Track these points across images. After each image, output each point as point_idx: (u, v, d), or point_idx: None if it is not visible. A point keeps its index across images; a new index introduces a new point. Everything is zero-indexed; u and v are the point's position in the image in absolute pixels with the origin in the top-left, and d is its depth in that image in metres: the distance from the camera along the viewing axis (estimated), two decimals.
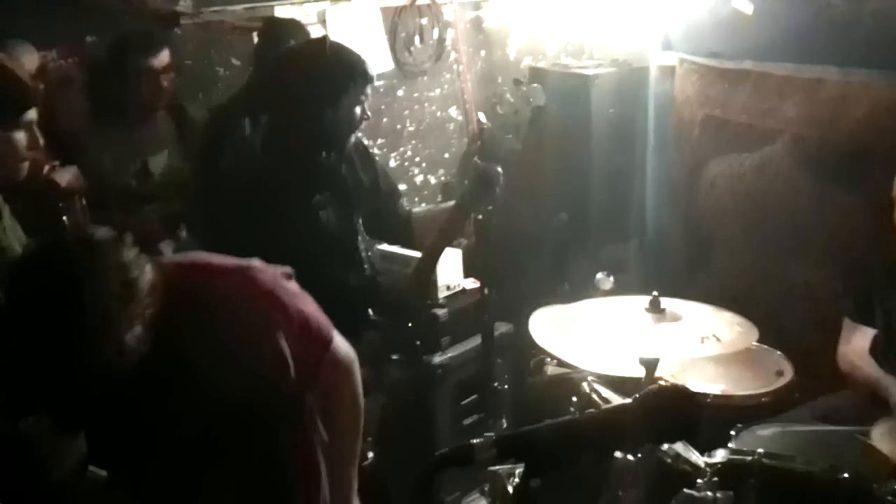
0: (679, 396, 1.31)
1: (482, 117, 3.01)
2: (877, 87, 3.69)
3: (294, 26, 3.84)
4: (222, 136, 3.58)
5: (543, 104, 3.07)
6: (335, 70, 2.93)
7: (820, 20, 3.82)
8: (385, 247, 3.88)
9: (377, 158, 3.53)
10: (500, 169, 2.95)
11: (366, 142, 3.46)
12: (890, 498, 2.41)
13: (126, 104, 3.66)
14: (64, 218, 3.13)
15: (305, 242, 2.92)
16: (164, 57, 3.64)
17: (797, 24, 3.92)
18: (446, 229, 3.10)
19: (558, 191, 4.36)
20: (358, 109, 2.97)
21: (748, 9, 4.08)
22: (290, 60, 3.08)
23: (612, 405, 1.31)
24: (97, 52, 3.69)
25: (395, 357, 3.28)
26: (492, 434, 1.25)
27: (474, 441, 1.24)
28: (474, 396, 3.71)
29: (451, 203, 3.32)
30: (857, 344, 3.28)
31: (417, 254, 3.49)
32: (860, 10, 3.67)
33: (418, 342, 3.46)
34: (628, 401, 1.32)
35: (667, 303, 2.72)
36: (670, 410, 1.30)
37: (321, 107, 2.90)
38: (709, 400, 3.17)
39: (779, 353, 3.46)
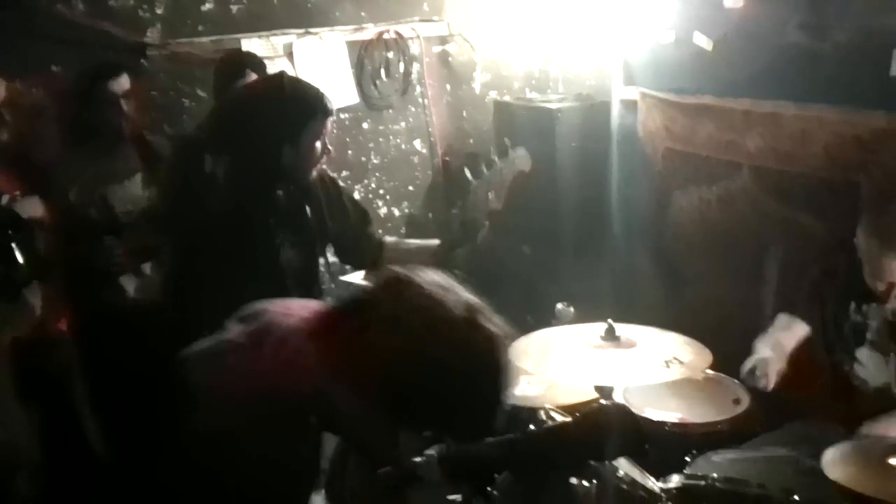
0: (619, 415, 1.33)
1: (468, 174, 3.02)
2: (834, 121, 3.75)
3: (250, 59, 3.85)
4: (186, 169, 3.58)
5: (528, 170, 3.09)
6: (293, 106, 2.92)
7: (778, 56, 3.90)
8: (349, 277, 3.90)
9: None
10: (487, 223, 2.98)
11: (332, 174, 3.47)
12: None
13: (90, 133, 3.66)
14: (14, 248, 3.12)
15: (265, 276, 2.93)
16: (124, 83, 3.63)
17: (756, 61, 3.98)
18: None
19: (523, 224, 4.39)
20: (318, 145, 2.98)
21: (708, 45, 4.16)
22: (248, 96, 3.09)
23: (553, 423, 1.32)
24: (63, 81, 3.70)
25: None
26: (433, 452, 1.26)
27: (417, 459, 1.26)
28: None
29: (424, 242, 3.36)
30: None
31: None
32: (822, 46, 3.73)
33: None
34: (569, 419, 1.35)
35: (623, 329, 2.74)
36: (610, 428, 1.32)
37: (279, 143, 2.87)
38: (666, 427, 3.21)
39: (736, 381, 3.49)
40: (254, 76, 3.66)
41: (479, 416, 1.55)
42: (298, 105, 2.93)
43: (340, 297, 1.86)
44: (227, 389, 1.81)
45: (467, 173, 2.99)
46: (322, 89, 3.05)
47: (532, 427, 2.29)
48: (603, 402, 1.31)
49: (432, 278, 1.78)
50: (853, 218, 3.41)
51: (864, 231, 3.17)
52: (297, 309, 1.97)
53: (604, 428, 1.33)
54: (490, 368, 1.62)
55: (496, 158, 3.01)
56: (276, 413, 1.69)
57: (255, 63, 3.78)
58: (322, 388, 1.65)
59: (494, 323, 1.73)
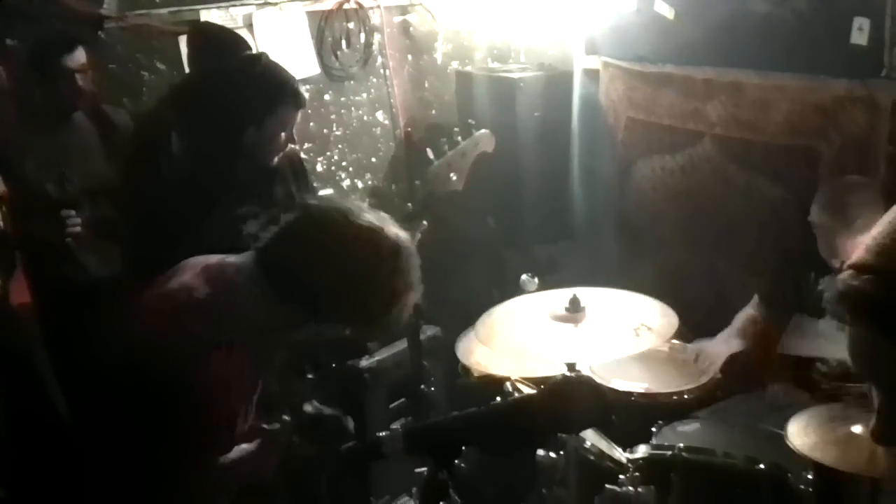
0: (582, 386, 1.33)
1: (430, 154, 3.00)
2: (795, 89, 3.77)
3: (231, 37, 3.78)
4: (147, 143, 3.53)
5: (490, 151, 3.08)
6: (265, 88, 2.89)
7: (740, 25, 3.90)
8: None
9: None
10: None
11: (293, 146, 3.45)
12: (803, 487, 2.47)
13: (47, 108, 3.60)
14: None
15: (225, 252, 2.90)
16: (80, 57, 3.57)
17: (718, 29, 3.98)
18: None
19: (486, 195, 4.39)
20: (283, 134, 2.94)
21: (670, 14, 4.15)
22: (222, 73, 3.04)
23: (517, 396, 1.32)
24: (18, 55, 3.62)
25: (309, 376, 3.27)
26: (398, 427, 1.25)
27: (381, 434, 1.25)
28: (402, 400, 3.71)
29: None
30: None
31: None
32: (780, 13, 3.74)
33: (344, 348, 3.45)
34: (533, 392, 1.34)
35: (588, 295, 2.72)
36: (575, 400, 1.32)
37: (244, 124, 2.85)
38: (633, 398, 3.22)
39: None
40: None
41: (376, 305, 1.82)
42: (270, 89, 2.89)
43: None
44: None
45: (429, 153, 2.97)
46: (289, 70, 3.01)
47: (497, 400, 2.30)
48: (567, 373, 1.30)
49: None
50: (813, 184, 3.44)
51: (817, 207, 3.20)
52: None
53: (568, 400, 1.33)
54: (392, 265, 1.87)
55: (459, 139, 2.99)
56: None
57: (234, 39, 3.70)
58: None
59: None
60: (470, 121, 3.11)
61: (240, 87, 2.88)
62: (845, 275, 1.11)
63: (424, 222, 2.95)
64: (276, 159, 3.01)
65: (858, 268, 1.11)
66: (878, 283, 1.08)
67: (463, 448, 1.28)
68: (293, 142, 2.99)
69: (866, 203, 3.11)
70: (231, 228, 2.96)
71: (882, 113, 3.48)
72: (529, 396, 1.34)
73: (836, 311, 1.12)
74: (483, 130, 3.05)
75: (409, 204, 3.07)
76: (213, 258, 2.21)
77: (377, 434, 1.25)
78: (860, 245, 2.98)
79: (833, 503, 2.56)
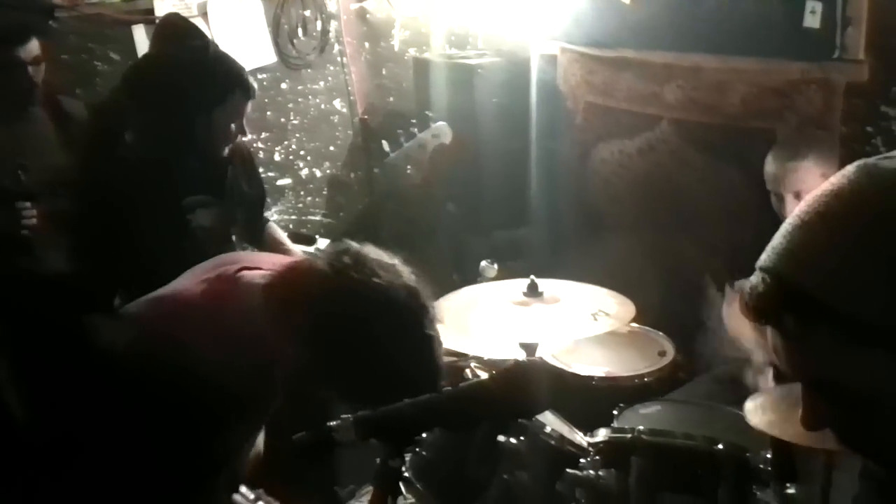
0: (534, 371, 1.33)
1: (386, 146, 2.99)
2: (752, 72, 3.79)
3: (190, 28, 3.74)
4: (100, 133, 3.50)
5: (448, 143, 3.07)
6: (213, 78, 2.87)
7: (697, 8, 3.91)
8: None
9: (261, 156, 3.51)
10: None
11: (250, 136, 3.43)
12: (762, 466, 2.50)
13: (0, 100, 3.55)
14: None
15: (177, 247, 2.89)
16: (33, 48, 3.53)
17: (675, 13, 3.99)
18: None
19: (446, 181, 4.38)
20: (234, 125, 2.92)
21: None
22: (171, 62, 3.01)
23: (469, 382, 1.31)
24: None
25: None
26: (349, 416, 1.24)
27: (332, 423, 1.24)
28: None
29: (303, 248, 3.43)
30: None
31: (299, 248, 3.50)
32: None
33: None
34: (486, 377, 1.34)
35: (546, 284, 2.75)
36: (527, 384, 1.32)
37: (194, 114, 2.83)
38: (593, 382, 3.24)
39: (661, 333, 3.54)
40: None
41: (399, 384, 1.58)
42: (220, 78, 2.87)
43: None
44: (172, 340, 1.83)
45: (385, 145, 2.95)
46: (239, 55, 3.00)
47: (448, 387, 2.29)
48: (520, 358, 1.30)
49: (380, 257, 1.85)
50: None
51: (774, 157, 3.26)
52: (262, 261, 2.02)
53: (521, 384, 1.32)
54: (415, 339, 1.69)
55: (416, 130, 2.98)
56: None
57: (194, 32, 3.66)
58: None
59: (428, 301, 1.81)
60: (427, 112, 3.09)
61: (189, 76, 2.86)
62: (751, 277, 1.13)
63: None
64: (226, 150, 2.99)
65: (759, 268, 1.12)
66: (771, 283, 1.09)
67: (417, 435, 1.28)
68: (244, 133, 2.97)
69: (820, 147, 3.24)
70: (181, 219, 2.95)
71: (836, 94, 3.52)
72: (481, 382, 1.34)
73: (742, 309, 1.14)
74: (440, 122, 3.05)
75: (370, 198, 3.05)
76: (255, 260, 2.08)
77: (328, 423, 1.24)
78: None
79: (789, 478, 2.59)
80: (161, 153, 2.88)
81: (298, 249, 3.57)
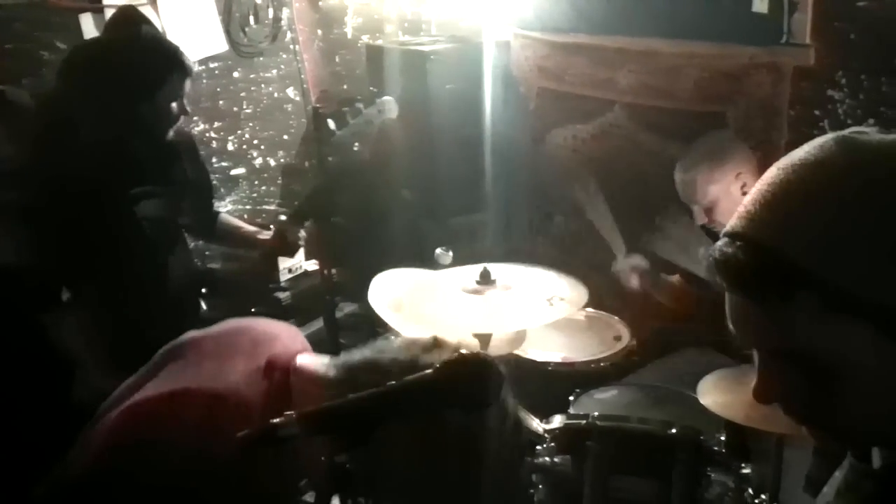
0: (477, 364, 1.33)
1: (331, 124, 2.96)
2: (703, 56, 3.83)
3: (132, 16, 3.70)
4: (48, 125, 3.45)
5: (394, 117, 3.05)
6: (149, 62, 2.86)
7: None
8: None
9: (214, 145, 3.48)
10: (302, 232, 3.01)
11: (203, 126, 3.40)
12: (716, 447, 2.52)
13: None
14: None
15: (127, 237, 2.87)
16: None
17: None
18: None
19: (401, 168, 4.37)
20: (175, 105, 2.91)
21: None
22: (105, 47, 2.99)
23: (414, 376, 1.31)
24: None
25: None
26: (292, 412, 1.24)
27: (275, 420, 1.23)
28: None
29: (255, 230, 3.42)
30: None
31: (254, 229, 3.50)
32: None
33: None
34: (430, 371, 1.34)
35: (499, 271, 2.75)
36: (469, 378, 1.32)
37: (134, 99, 2.82)
38: (550, 368, 3.26)
39: (616, 318, 3.56)
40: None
41: None
42: (155, 60, 2.86)
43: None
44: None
45: (331, 124, 2.93)
46: (190, 43, 2.98)
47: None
48: (462, 350, 1.31)
49: None
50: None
51: (689, 160, 3.30)
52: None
53: (464, 379, 1.32)
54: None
55: (361, 107, 2.96)
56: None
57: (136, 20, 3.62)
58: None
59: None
60: (372, 88, 3.07)
61: (126, 59, 2.84)
62: (720, 242, 1.13)
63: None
64: (171, 133, 2.97)
65: (732, 235, 1.13)
66: (748, 250, 1.10)
67: (362, 430, 1.28)
68: (185, 112, 2.95)
69: (729, 151, 3.26)
70: (128, 210, 2.92)
71: (784, 78, 3.57)
72: (425, 374, 1.33)
73: (714, 278, 1.14)
74: (386, 97, 3.03)
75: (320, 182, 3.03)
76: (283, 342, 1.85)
77: (271, 420, 1.23)
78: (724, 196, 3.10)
79: (743, 459, 2.62)
80: (107, 139, 2.85)
81: (256, 230, 3.55)
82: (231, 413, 1.58)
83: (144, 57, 2.84)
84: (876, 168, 1.08)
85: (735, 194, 3.15)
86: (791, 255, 1.07)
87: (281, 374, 1.71)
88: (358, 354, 1.67)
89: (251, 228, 3.53)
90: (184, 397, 1.63)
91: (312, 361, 1.75)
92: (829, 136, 1.12)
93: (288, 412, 1.25)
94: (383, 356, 1.60)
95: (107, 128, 2.85)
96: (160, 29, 3.97)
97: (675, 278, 3.60)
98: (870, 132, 1.12)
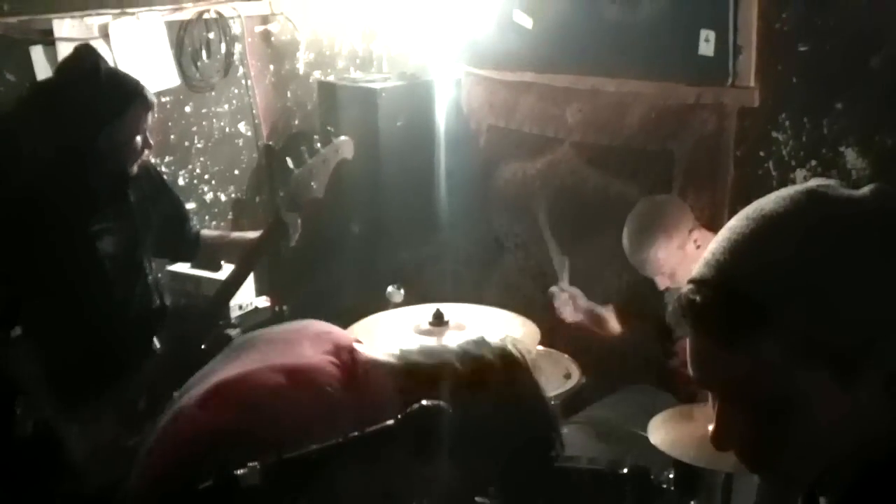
0: (436, 415, 1.35)
1: (290, 162, 2.98)
2: (649, 95, 3.91)
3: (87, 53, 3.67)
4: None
5: (350, 158, 3.09)
6: (112, 92, 2.84)
7: (595, 33, 4.00)
8: (176, 268, 3.82)
9: (166, 178, 3.46)
10: (299, 220, 2.95)
11: (154, 160, 3.38)
12: (665, 485, 2.56)
13: None
14: None
15: (83, 271, 2.85)
16: None
17: (575, 38, 4.09)
18: (241, 265, 3.07)
19: (351, 203, 4.39)
20: (139, 138, 2.89)
21: (528, 23, 4.23)
22: (63, 81, 2.96)
23: (375, 426, 1.33)
24: None
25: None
26: (255, 463, 1.25)
27: (238, 472, 1.24)
28: None
29: (241, 234, 3.39)
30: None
31: (209, 274, 3.48)
32: (632, 21, 3.86)
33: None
34: (391, 421, 1.36)
35: (452, 311, 2.78)
36: (428, 429, 1.34)
37: (95, 133, 2.78)
38: None
39: (566, 355, 3.58)
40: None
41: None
42: (117, 91, 2.83)
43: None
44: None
45: (289, 162, 2.95)
46: (142, 77, 2.96)
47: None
48: (423, 402, 1.33)
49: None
50: (667, 185, 3.56)
51: (629, 231, 3.35)
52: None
53: (424, 429, 1.35)
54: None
55: (319, 146, 2.99)
56: None
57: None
58: None
59: None
60: (329, 128, 3.09)
61: (86, 92, 2.81)
62: (686, 289, 1.17)
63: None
64: (135, 168, 2.95)
65: (699, 281, 1.16)
66: (716, 295, 1.14)
67: (324, 479, 1.29)
68: (149, 146, 2.93)
69: (665, 221, 3.28)
70: (86, 245, 2.90)
71: (729, 118, 3.65)
72: (386, 426, 1.35)
73: (679, 323, 1.17)
74: (343, 137, 3.05)
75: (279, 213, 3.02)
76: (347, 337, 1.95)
77: (233, 471, 1.23)
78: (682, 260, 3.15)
79: (692, 497, 2.66)
80: (63, 171, 2.83)
81: (240, 235, 3.50)
82: (309, 382, 1.69)
83: (104, 91, 2.81)
84: (845, 224, 1.12)
85: (691, 253, 3.18)
86: (758, 302, 1.10)
87: (347, 354, 1.82)
88: (415, 344, 1.83)
89: (236, 235, 3.50)
90: (263, 373, 1.72)
91: (368, 349, 1.88)
92: (799, 189, 1.17)
93: (251, 463, 1.25)
94: (435, 345, 1.81)
95: (65, 162, 2.83)
96: (112, 62, 3.96)
97: (609, 308, 3.66)
98: (835, 185, 1.17)
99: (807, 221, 1.13)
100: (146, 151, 2.97)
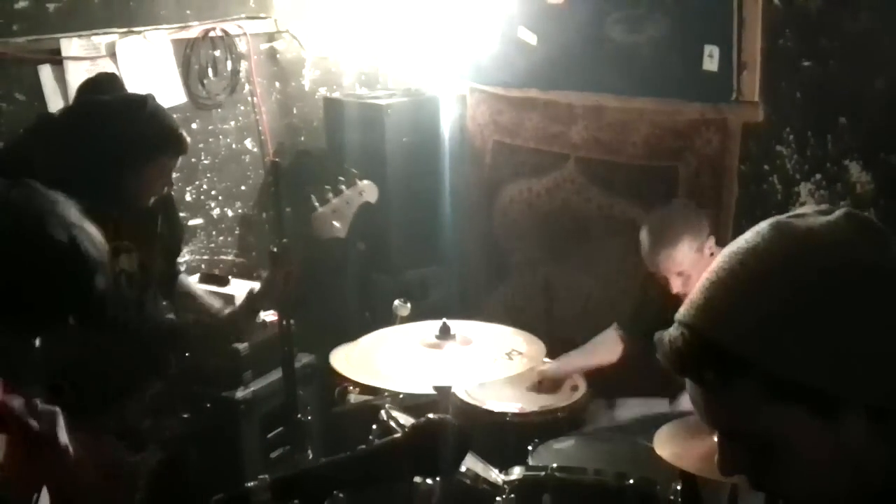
0: (443, 429, 1.37)
1: (314, 199, 3.03)
2: (653, 112, 3.92)
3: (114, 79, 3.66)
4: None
5: (374, 202, 3.14)
6: (149, 135, 2.79)
7: (599, 51, 4.03)
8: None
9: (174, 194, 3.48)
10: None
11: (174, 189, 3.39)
12: (672, 497, 2.57)
13: None
14: None
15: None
16: None
17: (579, 55, 4.11)
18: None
19: (357, 219, 4.40)
20: (161, 180, 2.89)
21: (533, 40, 4.25)
22: (103, 113, 2.85)
23: (383, 440, 1.34)
24: None
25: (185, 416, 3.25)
26: (266, 476, 1.27)
27: (249, 485, 1.26)
28: (280, 429, 3.70)
29: (209, 304, 3.45)
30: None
31: (216, 288, 3.51)
32: (636, 40, 3.88)
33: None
34: (398, 436, 1.37)
35: (458, 326, 2.79)
36: (435, 444, 1.35)
37: (122, 170, 2.77)
38: (507, 418, 3.29)
39: None
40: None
41: None
42: (155, 136, 2.80)
43: None
44: None
45: (313, 199, 2.99)
46: (176, 127, 2.92)
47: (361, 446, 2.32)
48: (430, 416, 1.35)
49: None
50: (670, 200, 3.58)
51: (643, 228, 3.35)
52: None
53: (430, 442, 1.36)
54: None
55: (343, 188, 3.04)
56: None
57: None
58: None
59: None
60: (353, 170, 3.15)
61: (122, 130, 2.77)
62: (671, 329, 1.19)
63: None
64: (151, 200, 2.95)
65: (679, 322, 1.18)
66: (690, 337, 1.15)
67: (331, 494, 1.31)
68: (170, 186, 2.95)
69: (688, 222, 3.28)
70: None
71: (733, 135, 3.66)
72: (394, 440, 1.37)
73: (665, 363, 1.19)
74: (367, 182, 3.11)
75: (283, 240, 3.05)
76: None
77: (245, 485, 1.25)
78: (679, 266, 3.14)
79: None
80: (84, 205, 2.83)
81: (212, 302, 3.54)
82: None
83: (143, 130, 2.78)
84: (805, 256, 1.12)
85: (706, 259, 3.18)
86: (725, 343, 1.12)
87: None
88: None
89: (208, 302, 3.51)
90: None
91: None
92: (766, 223, 1.17)
93: (262, 476, 1.27)
94: None
95: (83, 190, 2.83)
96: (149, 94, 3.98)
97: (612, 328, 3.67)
98: (809, 214, 1.17)
99: (767, 256, 1.14)
100: (165, 189, 2.98)
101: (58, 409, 1.97)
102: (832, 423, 1.10)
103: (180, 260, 3.50)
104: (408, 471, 1.39)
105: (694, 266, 3.17)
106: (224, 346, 3.32)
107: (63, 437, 1.95)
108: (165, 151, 2.84)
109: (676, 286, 3.22)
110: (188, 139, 2.92)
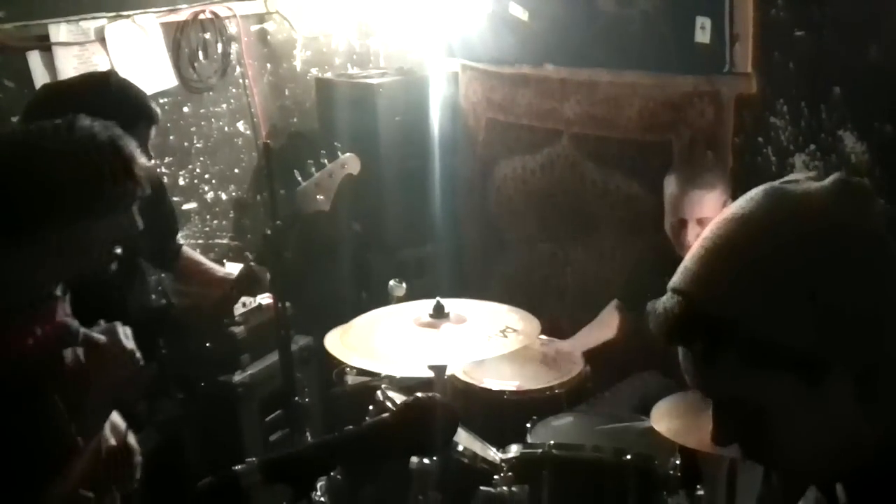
0: (432, 407, 1.36)
1: (297, 175, 3.03)
2: (646, 86, 3.90)
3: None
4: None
5: (356, 173, 3.14)
6: (116, 108, 2.81)
7: (591, 25, 4.00)
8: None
9: (166, 180, 3.47)
10: (268, 274, 3.03)
11: (153, 161, 3.38)
12: (671, 472, 2.57)
13: None
14: None
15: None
16: None
17: (570, 30, 4.09)
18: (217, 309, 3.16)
19: (351, 200, 4.40)
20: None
21: (524, 16, 4.23)
22: (68, 92, 2.90)
23: (372, 420, 1.34)
24: None
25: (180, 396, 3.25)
26: (254, 459, 1.26)
27: (237, 468, 1.25)
28: (278, 412, 3.69)
29: (214, 270, 3.49)
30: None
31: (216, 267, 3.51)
32: (627, 13, 3.86)
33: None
34: (386, 415, 1.36)
35: (452, 305, 2.79)
36: (424, 422, 1.35)
37: None
38: (505, 396, 3.29)
39: None
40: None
41: None
42: (121, 107, 2.82)
43: None
44: None
45: (297, 174, 2.99)
46: (140, 80, 2.96)
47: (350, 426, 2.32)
48: (419, 395, 1.34)
49: None
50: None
51: (672, 173, 3.34)
52: None
53: (420, 421, 1.36)
54: None
55: (326, 161, 3.03)
56: None
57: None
58: None
59: None
60: (336, 143, 3.15)
61: (90, 106, 2.80)
62: (664, 296, 1.18)
63: None
64: None
65: (671, 289, 1.18)
66: (680, 304, 1.15)
67: (321, 476, 1.30)
68: (149, 158, 2.94)
69: (723, 172, 3.37)
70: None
71: (727, 107, 3.65)
72: (382, 419, 1.36)
73: (658, 332, 1.19)
74: (349, 154, 3.10)
75: (277, 222, 3.04)
76: None
77: (233, 468, 1.25)
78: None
79: (696, 481, 2.67)
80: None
81: (218, 268, 3.54)
82: None
83: (111, 105, 2.80)
84: (793, 221, 1.12)
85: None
86: (717, 311, 1.12)
87: None
88: None
89: (212, 266, 3.53)
90: None
91: None
92: (760, 188, 1.17)
93: (250, 459, 1.27)
94: None
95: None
96: (109, 65, 3.96)
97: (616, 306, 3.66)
98: (801, 180, 1.16)
99: (755, 222, 1.14)
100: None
101: (118, 322, 2.19)
102: (820, 390, 1.11)
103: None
104: (399, 450, 1.39)
105: (712, 214, 3.15)
106: (216, 330, 3.31)
107: (129, 343, 2.16)
108: (137, 123, 2.84)
109: (692, 237, 3.18)
110: (157, 108, 2.92)
